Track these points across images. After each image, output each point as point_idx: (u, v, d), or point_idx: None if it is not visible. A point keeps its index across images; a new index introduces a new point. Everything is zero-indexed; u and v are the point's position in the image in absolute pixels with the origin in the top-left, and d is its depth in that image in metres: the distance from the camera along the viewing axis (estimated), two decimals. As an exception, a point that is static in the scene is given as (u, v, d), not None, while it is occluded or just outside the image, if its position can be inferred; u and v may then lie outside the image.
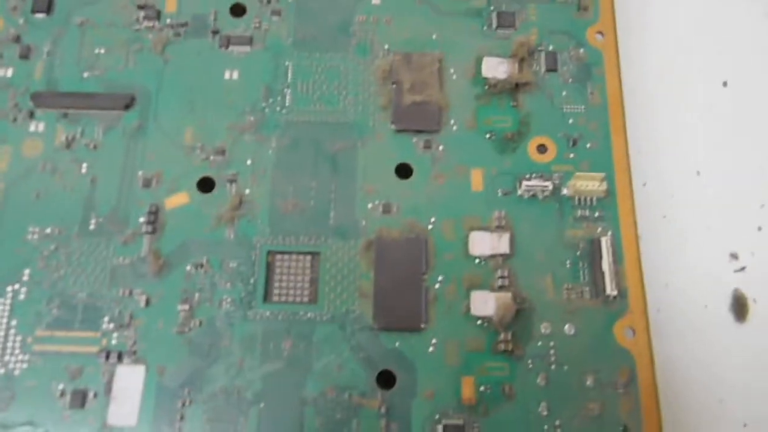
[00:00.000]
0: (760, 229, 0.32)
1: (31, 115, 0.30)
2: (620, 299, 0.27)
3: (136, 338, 0.26)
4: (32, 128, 0.29)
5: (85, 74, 0.30)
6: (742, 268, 0.31)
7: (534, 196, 0.28)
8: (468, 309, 0.26)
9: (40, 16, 0.31)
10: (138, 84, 0.30)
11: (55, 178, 0.28)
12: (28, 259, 0.27)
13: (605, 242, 0.27)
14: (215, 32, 0.31)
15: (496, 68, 0.30)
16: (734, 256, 0.31)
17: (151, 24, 0.31)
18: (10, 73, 0.30)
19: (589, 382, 0.26)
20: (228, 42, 0.31)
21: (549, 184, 0.28)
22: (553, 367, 0.26)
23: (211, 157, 0.29)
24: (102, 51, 0.31)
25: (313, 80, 0.30)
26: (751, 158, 0.33)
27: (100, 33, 0.31)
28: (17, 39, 0.31)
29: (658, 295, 0.30)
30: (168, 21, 0.31)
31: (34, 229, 0.28)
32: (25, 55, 0.31)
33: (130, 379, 0.25)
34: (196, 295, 0.27)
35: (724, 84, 0.35)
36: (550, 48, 0.31)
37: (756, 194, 0.32)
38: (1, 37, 0.31)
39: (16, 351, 0.26)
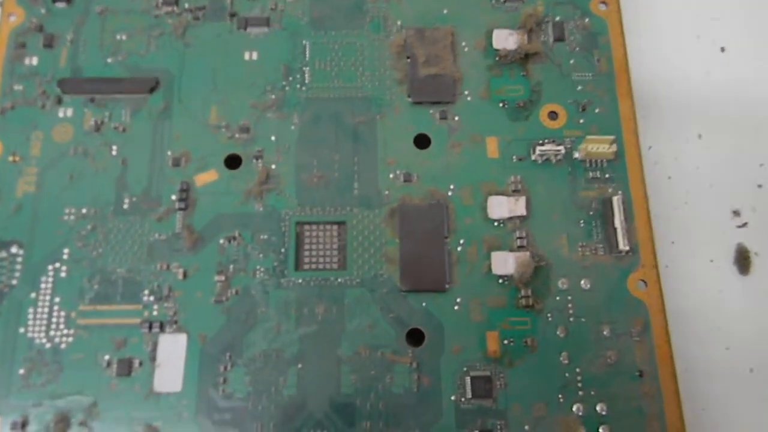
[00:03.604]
0: (760, 186, 0.33)
1: (59, 101, 0.31)
2: (632, 254, 0.28)
3: (177, 309, 0.27)
4: (61, 114, 0.30)
5: (109, 60, 0.31)
6: (744, 224, 0.33)
7: (547, 160, 0.29)
8: (489, 269, 0.28)
9: (60, 5, 0.32)
10: (161, 67, 0.31)
11: (87, 160, 0.30)
12: (66, 238, 0.28)
13: (617, 201, 0.28)
14: (233, 15, 0.32)
15: (506, 40, 0.31)
16: (736, 213, 0.33)
17: (169, 9, 0.32)
18: (35, 61, 0.31)
19: (605, 332, 0.27)
20: (246, 24, 0.32)
21: (561, 149, 0.29)
22: (571, 319, 0.27)
23: (237, 135, 0.30)
24: (123, 37, 0.32)
25: (330, 58, 0.31)
26: (749, 120, 0.35)
27: (120, 20, 0.32)
28: (40, 29, 0.32)
29: (666, 251, 0.31)
30: (186, 5, 0.32)
31: (70, 209, 0.29)
32: (48, 44, 0.32)
33: (173, 347, 0.27)
34: (231, 266, 0.28)
35: (722, 50, 0.36)
36: (557, 19, 0.32)
37: (755, 154, 0.34)
38: (24, 27, 0.32)
39: (61, 326, 0.27)
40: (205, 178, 0.29)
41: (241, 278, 0.28)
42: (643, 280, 0.28)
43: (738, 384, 0.30)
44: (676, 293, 0.31)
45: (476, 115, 0.30)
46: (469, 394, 0.26)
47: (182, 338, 0.27)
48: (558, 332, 0.27)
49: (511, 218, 0.28)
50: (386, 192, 0.29)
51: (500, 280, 0.28)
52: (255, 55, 0.31)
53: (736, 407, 0.29)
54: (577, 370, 0.27)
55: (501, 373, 0.26)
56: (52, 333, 0.27)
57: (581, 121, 0.30)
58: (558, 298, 0.28)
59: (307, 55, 0.31)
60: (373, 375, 0.26)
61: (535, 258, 0.28)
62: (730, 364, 0.30)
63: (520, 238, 0.28)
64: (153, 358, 0.27)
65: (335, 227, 0.29)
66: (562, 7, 0.32)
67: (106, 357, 0.27)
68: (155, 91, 0.31)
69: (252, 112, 0.30)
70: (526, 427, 0.26)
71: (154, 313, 0.27)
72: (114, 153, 0.30)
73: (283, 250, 0.28)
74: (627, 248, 0.28)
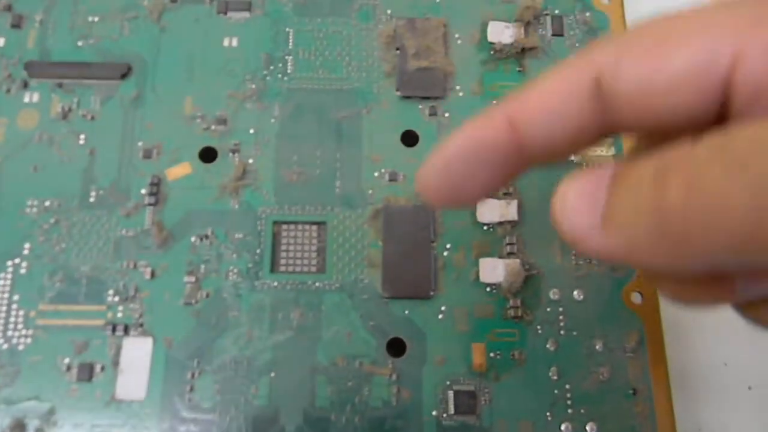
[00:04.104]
0: (763, 194, 0.32)
1: (25, 85, 0.29)
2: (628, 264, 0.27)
3: (143, 311, 0.26)
4: (27, 99, 0.29)
5: (79, 43, 0.29)
6: (746, 233, 0.31)
7: (541, 162, 0.28)
8: (477, 276, 0.26)
9: (30, -17, 0.30)
10: (134, 52, 0.29)
11: (53, 149, 0.28)
12: (27, 232, 0.27)
13: (614, 207, 0.27)
14: (213, -2, 0.30)
15: (501, 33, 0.29)
16: (738, 221, 0.31)
17: (146, -10, 0.30)
18: (1, 42, 0.29)
19: (598, 346, 0.26)
20: (226, 7, 0.30)
21: (557, 150, 0.27)
22: (562, 332, 0.26)
23: (213, 127, 0.28)
24: (96, 19, 0.30)
25: (315, 47, 0.29)
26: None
27: (93, 1, 0.30)
28: (8, 8, 0.30)
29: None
30: (163, -13, 0.30)
31: (33, 202, 0.27)
32: (16, 24, 0.30)
33: (137, 352, 0.25)
34: (202, 266, 0.26)
35: (728, 49, 0.35)
36: (556, 12, 0.30)
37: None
38: (-9, 5, 0.30)
39: (19, 326, 0.26)
40: (177, 172, 0.28)
41: (213, 279, 0.26)
42: (638, 292, 0.26)
43: (736, 402, 0.28)
44: (672, 308, 0.29)
45: (468, 111, 0.28)
46: (451, 410, 0.24)
47: (147, 342, 0.25)
48: (548, 345, 0.25)
49: (501, 223, 0.27)
50: (370, 191, 0.27)
51: (488, 289, 0.26)
52: (235, 42, 0.29)
53: (733, 427, 0.28)
54: (567, 386, 0.25)
55: (486, 387, 0.25)
56: (9, 333, 0.25)
57: (579, 121, 0.28)
58: (549, 309, 0.26)
59: (290, 43, 0.29)
60: (350, 387, 0.25)
61: (526, 266, 0.26)
62: (727, 381, 0.29)
63: (510, 244, 0.26)
64: (116, 363, 0.25)
65: (315, 227, 0.27)
66: (562, 0, 0.30)
67: (66, 360, 0.25)
68: (127, 78, 0.29)
69: (230, 103, 0.28)
70: (511, 446, 0.24)
71: (119, 314, 0.26)
72: (81, 142, 0.28)
73: (258, 250, 0.26)
74: (623, 258, 0.26)
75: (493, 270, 0.26)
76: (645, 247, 0.14)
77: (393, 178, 0.27)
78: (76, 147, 0.28)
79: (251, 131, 0.28)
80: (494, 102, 0.29)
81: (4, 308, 0.26)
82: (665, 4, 0.35)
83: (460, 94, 0.29)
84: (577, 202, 0.15)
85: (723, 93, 0.14)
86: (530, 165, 0.17)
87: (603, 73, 0.15)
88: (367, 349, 0.25)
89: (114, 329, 0.25)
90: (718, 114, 0.14)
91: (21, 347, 0.25)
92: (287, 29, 0.30)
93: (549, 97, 0.16)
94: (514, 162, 0.17)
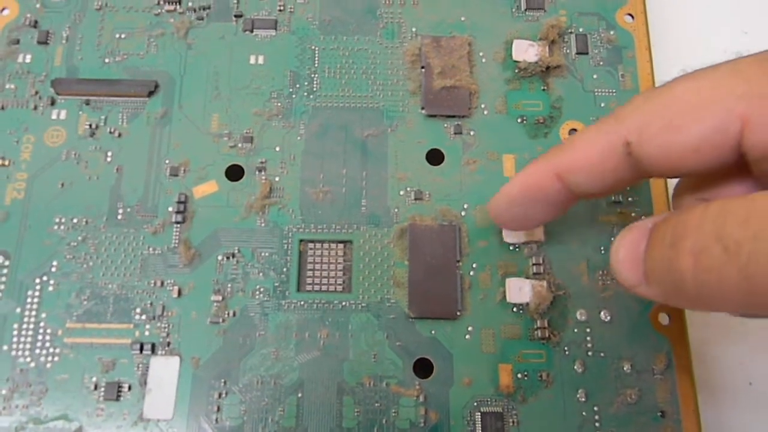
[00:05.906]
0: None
1: (53, 102, 0.29)
2: (656, 285, 0.26)
3: (170, 329, 0.26)
4: (54, 116, 0.29)
5: (106, 60, 0.30)
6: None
7: (567, 181, 0.28)
8: (503, 296, 0.26)
9: (56, 0, 0.31)
10: (161, 70, 0.29)
11: (80, 167, 0.28)
12: (55, 250, 0.27)
13: (641, 228, 0.27)
14: (238, 16, 0.30)
15: (526, 51, 0.29)
16: (762, 240, 0.31)
17: (172, 8, 0.30)
18: (29, 59, 0.30)
19: (626, 368, 0.25)
20: (252, 25, 0.30)
21: (583, 170, 0.27)
22: (589, 353, 0.26)
23: (239, 145, 0.28)
24: (122, 36, 0.30)
25: (340, 65, 0.29)
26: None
27: (119, 17, 0.30)
28: (35, 24, 0.30)
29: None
30: (189, 4, 0.30)
31: (61, 219, 0.27)
32: (43, 41, 0.30)
33: (164, 371, 0.25)
34: (229, 285, 0.26)
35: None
36: (580, 30, 0.30)
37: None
38: (18, 23, 0.30)
39: (47, 344, 0.26)
40: (204, 190, 0.28)
41: (240, 299, 0.26)
42: (666, 313, 0.26)
43: (762, 421, 0.28)
44: (698, 324, 0.29)
45: (493, 130, 0.28)
46: (479, 432, 0.24)
47: (174, 361, 0.25)
48: (575, 367, 0.25)
49: (527, 243, 0.27)
50: (395, 210, 0.27)
51: (515, 309, 0.26)
52: (261, 60, 0.29)
53: (759, 448, 0.28)
54: (595, 408, 0.25)
55: (513, 409, 0.25)
56: (37, 351, 0.26)
57: (604, 140, 0.28)
58: (576, 330, 0.26)
59: (316, 62, 0.29)
60: (378, 408, 0.25)
61: (552, 287, 0.26)
62: (753, 400, 0.29)
63: (536, 264, 0.26)
64: (143, 383, 0.25)
65: (341, 246, 0.27)
66: (587, 18, 0.30)
67: (94, 379, 0.25)
68: (154, 95, 0.29)
69: (256, 121, 0.29)
70: (539, 468, 0.24)
71: (146, 333, 0.26)
72: (109, 160, 0.28)
73: (284, 269, 0.26)
74: (650, 278, 0.26)
75: (520, 290, 0.26)
76: (674, 298, 0.18)
77: (418, 197, 0.27)
78: (104, 164, 0.28)
79: (277, 149, 0.28)
80: (519, 120, 0.29)
81: (32, 326, 0.26)
82: (690, 21, 0.35)
83: (485, 112, 0.29)
84: (625, 260, 0.19)
85: (737, 151, 0.17)
86: (576, 202, 0.22)
87: (631, 139, 0.18)
88: (394, 370, 0.25)
89: (141, 348, 0.25)
90: (739, 156, 0.17)
91: (48, 365, 0.25)
92: (313, 47, 0.30)
93: (588, 155, 0.20)
94: (562, 201, 0.22)
